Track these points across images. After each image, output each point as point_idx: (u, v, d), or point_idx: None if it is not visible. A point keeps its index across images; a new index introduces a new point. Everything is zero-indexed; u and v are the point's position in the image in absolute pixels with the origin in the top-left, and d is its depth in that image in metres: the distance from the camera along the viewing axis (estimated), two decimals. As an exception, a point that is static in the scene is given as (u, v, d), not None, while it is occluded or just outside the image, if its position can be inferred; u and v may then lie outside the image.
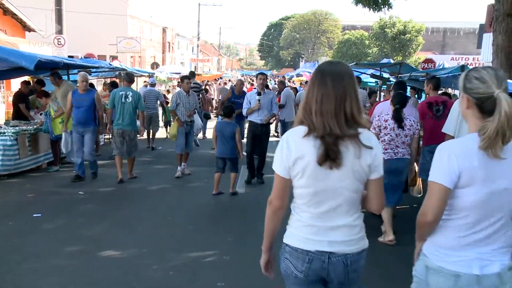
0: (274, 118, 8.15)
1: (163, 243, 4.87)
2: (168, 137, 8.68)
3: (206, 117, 12.59)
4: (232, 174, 6.80)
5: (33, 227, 5.26)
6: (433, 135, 5.41)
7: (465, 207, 1.91)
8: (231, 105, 7.20)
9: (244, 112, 7.61)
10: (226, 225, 5.51)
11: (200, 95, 11.56)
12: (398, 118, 4.77)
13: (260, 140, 7.60)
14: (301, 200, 2.02)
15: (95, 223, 5.45)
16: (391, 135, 4.81)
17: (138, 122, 7.85)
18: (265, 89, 7.73)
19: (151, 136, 11.34)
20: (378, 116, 5.05)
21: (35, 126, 8.18)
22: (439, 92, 7.03)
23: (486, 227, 1.92)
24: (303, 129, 1.95)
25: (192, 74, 12.59)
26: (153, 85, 12.62)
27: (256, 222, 5.69)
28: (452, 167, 1.88)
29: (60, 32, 13.64)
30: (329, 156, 1.89)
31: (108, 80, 14.33)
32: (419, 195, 5.97)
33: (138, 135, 7.91)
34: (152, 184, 7.45)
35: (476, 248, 1.93)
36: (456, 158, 1.88)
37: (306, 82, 9.96)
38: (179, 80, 8.56)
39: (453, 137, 4.49)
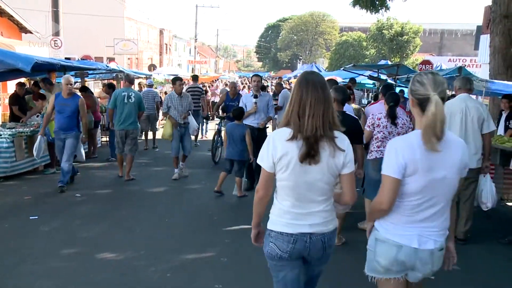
0: (270, 121, 7.93)
1: (161, 244, 4.88)
2: (161, 136, 8.47)
3: (207, 118, 12.72)
4: (237, 179, 6.75)
5: (30, 229, 5.26)
6: None
7: (410, 192, 2.26)
8: (241, 107, 7.06)
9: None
10: (224, 227, 5.52)
11: (201, 98, 11.74)
12: (392, 115, 4.92)
13: (257, 144, 6.91)
14: (283, 191, 2.36)
15: (92, 224, 5.45)
16: (384, 133, 4.92)
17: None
18: (261, 91, 7.61)
19: (151, 137, 11.63)
20: (372, 115, 5.19)
21: (31, 128, 8.17)
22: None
23: (427, 210, 2.28)
24: (288, 131, 2.29)
25: (195, 78, 12.79)
26: (150, 86, 12.79)
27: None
28: (399, 161, 2.22)
29: (56, 34, 13.64)
30: (310, 155, 2.24)
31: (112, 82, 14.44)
32: None
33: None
34: (149, 186, 7.45)
35: (417, 227, 2.30)
36: (402, 152, 2.22)
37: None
38: (172, 82, 8.24)
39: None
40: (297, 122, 2.27)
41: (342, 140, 2.34)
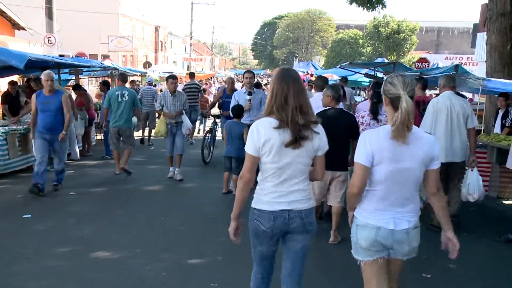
0: None
1: (156, 243, 4.87)
2: (154, 134, 8.39)
3: (205, 116, 12.81)
4: (234, 177, 6.69)
5: (23, 228, 5.23)
6: None
7: (379, 180, 2.57)
8: (240, 105, 7.01)
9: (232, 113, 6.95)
10: (219, 226, 5.50)
11: (199, 96, 12.11)
12: (374, 110, 5.22)
13: None
14: (267, 173, 2.65)
15: (86, 223, 5.43)
16: (367, 130, 4.95)
17: (134, 119, 8.25)
18: (254, 89, 7.45)
19: (147, 134, 11.84)
20: (357, 113, 5.45)
21: (25, 126, 8.11)
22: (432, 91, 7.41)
23: (397, 196, 2.59)
24: (271, 119, 2.59)
25: (192, 75, 13.42)
26: (150, 84, 13.36)
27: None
28: (367, 150, 2.54)
29: (50, 30, 13.56)
30: (296, 141, 2.56)
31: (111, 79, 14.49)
32: None
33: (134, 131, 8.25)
34: (144, 184, 7.43)
35: (391, 211, 2.61)
36: (370, 142, 2.54)
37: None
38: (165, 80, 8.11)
39: (429, 134, 4.74)
40: (282, 112, 2.56)
41: (317, 125, 2.67)
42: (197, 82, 13.44)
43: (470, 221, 5.81)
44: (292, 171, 2.62)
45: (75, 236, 4.99)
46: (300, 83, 2.66)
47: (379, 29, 37.63)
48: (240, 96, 7.30)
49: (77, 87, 10.25)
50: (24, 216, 5.60)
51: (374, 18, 37.31)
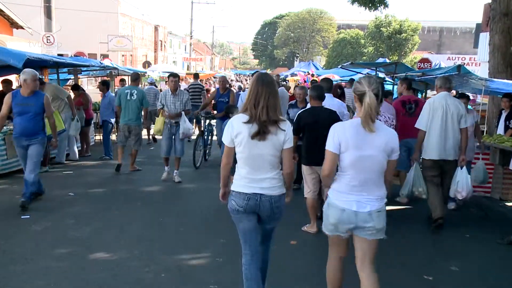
0: None
1: (154, 244, 4.86)
2: (153, 133, 8.38)
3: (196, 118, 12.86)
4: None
5: (21, 228, 5.23)
6: (405, 130, 6.09)
7: (346, 166, 3.04)
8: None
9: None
10: (218, 226, 5.50)
11: (202, 95, 12.41)
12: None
13: None
14: (241, 161, 3.20)
15: (84, 224, 5.42)
16: None
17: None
18: None
19: (151, 132, 12.10)
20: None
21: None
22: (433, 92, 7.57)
23: (361, 180, 3.02)
24: (244, 116, 3.12)
25: (196, 76, 14.32)
26: (152, 83, 13.78)
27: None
28: (335, 140, 3.04)
29: (49, 29, 13.57)
30: (260, 133, 3.07)
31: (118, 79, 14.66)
32: (398, 183, 6.64)
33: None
34: (143, 185, 7.42)
35: (355, 194, 3.04)
36: (337, 133, 3.04)
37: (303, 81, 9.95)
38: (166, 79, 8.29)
39: (425, 132, 5.50)
40: (253, 110, 3.09)
41: (284, 123, 3.17)
42: (200, 83, 14.04)
43: (472, 223, 5.80)
44: (262, 161, 3.15)
45: (73, 237, 4.99)
46: (273, 86, 3.17)
47: (381, 29, 37.62)
48: (243, 97, 7.42)
49: (76, 87, 10.26)
50: (22, 217, 5.60)
51: (376, 18, 37.31)
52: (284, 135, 3.14)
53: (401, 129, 5.98)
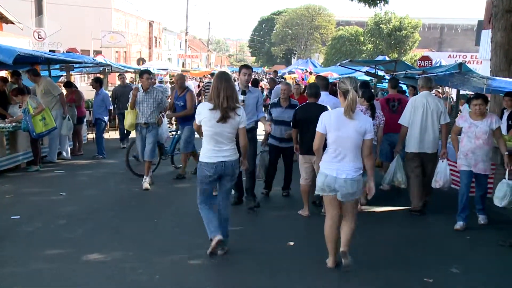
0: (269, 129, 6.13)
1: (149, 245, 4.85)
2: (127, 128, 7.50)
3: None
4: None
5: (11, 229, 5.21)
6: (389, 125, 6.72)
7: (330, 142, 4.18)
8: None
9: None
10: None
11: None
12: (373, 110, 6.10)
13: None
14: (206, 138, 4.43)
15: (76, 225, 5.40)
16: None
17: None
18: (250, 86, 6.29)
19: None
20: None
21: (13, 124, 8.07)
22: (432, 91, 7.79)
23: (340, 154, 4.13)
24: (209, 104, 4.36)
25: (213, 75, 15.14)
26: (160, 82, 14.59)
27: (245, 224, 5.69)
28: (322, 123, 4.20)
29: (40, 25, 13.50)
30: (223, 118, 4.31)
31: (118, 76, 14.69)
32: (382, 173, 7.22)
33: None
34: (137, 185, 7.38)
35: (336, 164, 4.15)
36: (324, 119, 4.20)
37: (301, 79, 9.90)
38: (139, 75, 7.42)
39: (407, 127, 6.24)
40: (216, 100, 4.32)
41: (240, 109, 4.45)
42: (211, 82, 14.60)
43: (473, 224, 5.81)
44: (222, 138, 4.39)
45: (65, 238, 4.97)
46: (230, 82, 4.40)
47: (380, 26, 37.64)
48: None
49: (69, 85, 10.23)
50: (12, 217, 5.57)
51: (375, 15, 37.30)
52: (239, 118, 4.41)
53: (385, 125, 6.50)
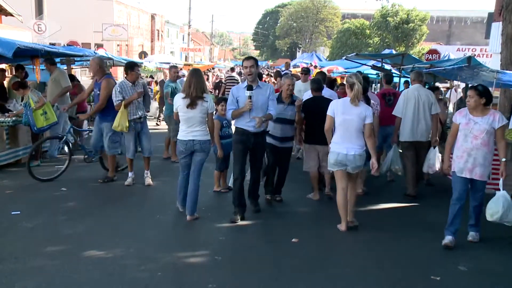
0: (258, 121, 5.53)
1: (151, 242, 4.85)
2: (112, 128, 6.94)
3: None
4: (215, 172, 7.04)
5: (11, 225, 5.22)
6: (384, 118, 7.17)
7: (338, 125, 5.25)
8: (222, 97, 7.02)
9: (229, 115, 5.67)
10: (218, 223, 5.50)
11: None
12: (367, 101, 6.45)
13: (253, 156, 5.81)
14: (182, 121, 5.52)
15: (77, 221, 5.42)
16: None
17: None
18: (259, 81, 5.76)
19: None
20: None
21: (13, 118, 8.08)
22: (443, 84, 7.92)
23: (347, 135, 5.20)
24: (182, 94, 5.47)
25: (232, 69, 17.05)
26: (182, 76, 14.44)
27: (249, 219, 5.68)
28: (331, 108, 5.31)
29: (40, 17, 13.50)
30: (192, 104, 5.37)
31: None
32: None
33: None
34: (138, 180, 7.39)
35: (345, 143, 5.21)
36: (333, 105, 5.32)
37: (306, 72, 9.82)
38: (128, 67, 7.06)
39: (400, 118, 6.86)
40: (188, 90, 5.38)
41: (208, 96, 5.47)
42: (235, 75, 16.04)
43: (481, 221, 5.78)
44: (194, 121, 5.42)
45: (66, 234, 4.98)
46: (199, 77, 5.45)
47: (387, 18, 37.41)
48: (239, 92, 5.64)
49: (71, 78, 10.22)
50: (12, 213, 5.60)
51: (382, 7, 37.06)
52: (207, 104, 5.42)
53: (382, 117, 6.98)
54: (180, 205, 5.85)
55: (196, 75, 5.43)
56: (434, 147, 6.78)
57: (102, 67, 7.35)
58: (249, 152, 5.75)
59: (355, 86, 5.12)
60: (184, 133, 5.47)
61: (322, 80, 7.17)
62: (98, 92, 7.11)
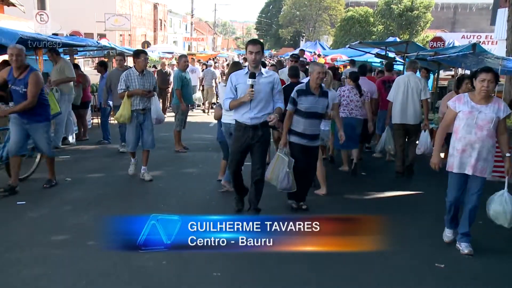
0: (273, 118, 4.82)
1: (155, 231, 4.86)
2: (114, 118, 7.01)
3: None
4: (222, 162, 6.77)
5: (16, 215, 5.24)
6: (384, 104, 8.02)
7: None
8: None
9: (227, 105, 5.05)
10: (222, 211, 5.49)
11: None
12: (359, 89, 7.45)
13: (254, 152, 5.12)
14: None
15: (82, 211, 5.43)
16: (347, 101, 7.34)
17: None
18: (262, 68, 5.12)
19: (207, 105, 15.55)
20: (339, 89, 7.48)
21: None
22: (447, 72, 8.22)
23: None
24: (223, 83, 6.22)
25: (245, 59, 16.56)
26: (210, 65, 16.92)
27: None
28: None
29: (43, 7, 13.45)
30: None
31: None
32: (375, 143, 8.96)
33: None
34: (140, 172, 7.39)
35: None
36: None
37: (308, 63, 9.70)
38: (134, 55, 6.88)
39: (392, 103, 7.41)
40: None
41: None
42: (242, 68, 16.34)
43: (485, 209, 5.75)
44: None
45: (71, 224, 5.00)
46: (239, 67, 5.85)
47: (391, 6, 37.15)
48: (239, 79, 5.00)
49: (75, 67, 10.20)
50: (17, 203, 5.61)
51: (386, -5, 36.81)
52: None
53: (382, 103, 8.14)
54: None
55: (235, 67, 6.10)
56: (425, 131, 7.30)
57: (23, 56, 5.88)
58: (248, 148, 5.10)
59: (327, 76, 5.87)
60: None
61: (362, 72, 8.31)
62: (24, 89, 5.74)
